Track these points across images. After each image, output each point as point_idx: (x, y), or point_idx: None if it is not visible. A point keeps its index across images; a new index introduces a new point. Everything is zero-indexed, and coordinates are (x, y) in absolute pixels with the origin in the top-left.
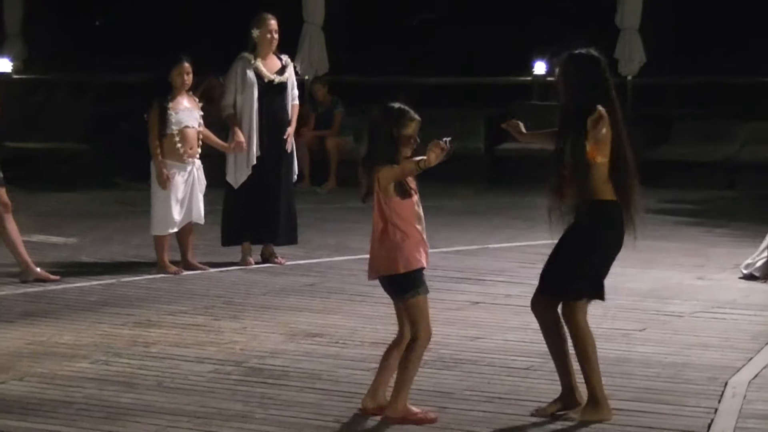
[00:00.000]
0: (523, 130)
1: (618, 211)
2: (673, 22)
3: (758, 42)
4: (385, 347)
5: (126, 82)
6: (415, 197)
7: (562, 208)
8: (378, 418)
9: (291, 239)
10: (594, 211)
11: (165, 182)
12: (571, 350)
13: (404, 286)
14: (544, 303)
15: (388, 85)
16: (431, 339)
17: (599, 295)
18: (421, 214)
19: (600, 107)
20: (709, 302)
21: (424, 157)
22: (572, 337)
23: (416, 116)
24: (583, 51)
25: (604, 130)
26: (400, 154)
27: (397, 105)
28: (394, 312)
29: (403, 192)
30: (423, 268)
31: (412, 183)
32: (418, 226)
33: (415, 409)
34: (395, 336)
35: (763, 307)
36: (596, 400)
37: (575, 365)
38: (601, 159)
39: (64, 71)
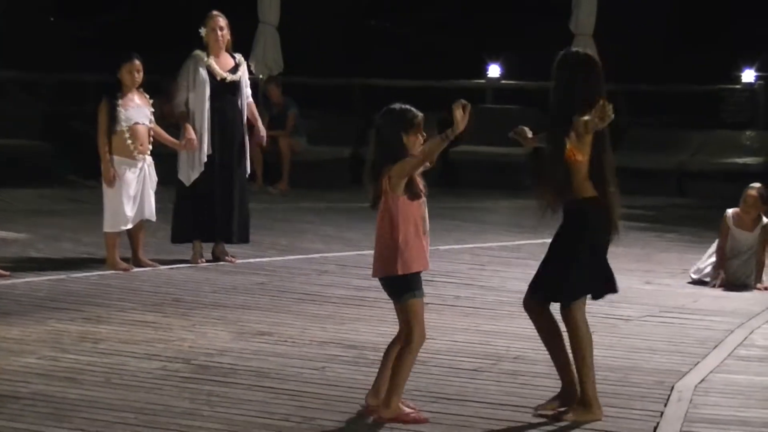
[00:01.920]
0: (529, 135)
1: (600, 206)
2: (631, 28)
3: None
4: (333, 346)
5: (81, 80)
6: (422, 198)
7: (545, 208)
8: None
9: (243, 238)
10: (577, 209)
11: (111, 180)
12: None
13: (402, 287)
14: (536, 304)
15: (342, 87)
16: (416, 341)
17: (595, 292)
18: (426, 215)
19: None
20: (658, 307)
21: (448, 130)
22: (570, 338)
23: (419, 113)
24: (581, 51)
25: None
26: (409, 154)
27: (398, 106)
28: (343, 312)
29: (413, 193)
30: (421, 272)
31: (421, 184)
32: (423, 228)
33: (407, 409)
34: (395, 335)
35: (710, 312)
36: (588, 401)
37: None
38: (581, 158)
39: (18, 68)
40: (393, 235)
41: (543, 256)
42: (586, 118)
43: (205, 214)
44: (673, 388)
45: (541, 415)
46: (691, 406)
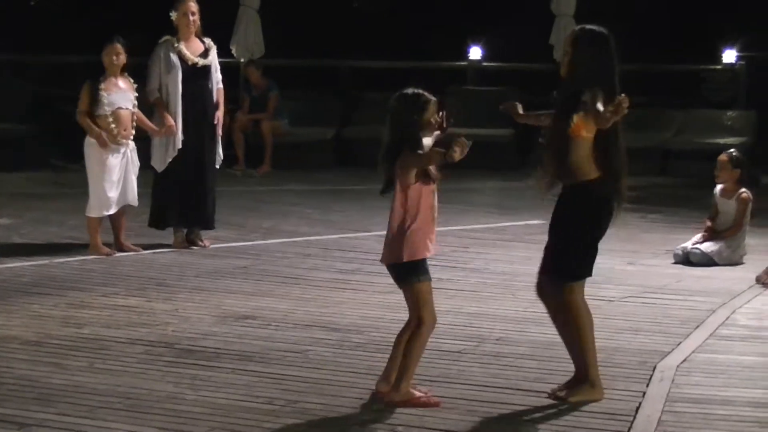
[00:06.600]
0: (520, 111)
1: (601, 188)
2: (611, 8)
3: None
4: (317, 330)
5: (68, 62)
6: (433, 185)
7: (544, 186)
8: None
9: (209, 224)
10: (577, 192)
11: (104, 141)
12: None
13: (407, 273)
14: (549, 289)
15: (324, 68)
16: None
17: (589, 272)
18: (436, 202)
19: (623, 96)
20: (640, 287)
21: (448, 151)
22: (570, 318)
23: (432, 97)
24: (596, 28)
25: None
26: (422, 139)
27: (411, 90)
28: (326, 296)
29: (427, 179)
30: (426, 258)
31: (433, 169)
32: (432, 214)
33: (418, 393)
34: (406, 321)
35: (693, 292)
36: (590, 381)
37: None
38: (585, 134)
39: (5, 50)
40: (403, 222)
41: (528, 237)
42: (599, 107)
43: (178, 199)
44: (655, 368)
45: (555, 398)
46: (674, 386)
